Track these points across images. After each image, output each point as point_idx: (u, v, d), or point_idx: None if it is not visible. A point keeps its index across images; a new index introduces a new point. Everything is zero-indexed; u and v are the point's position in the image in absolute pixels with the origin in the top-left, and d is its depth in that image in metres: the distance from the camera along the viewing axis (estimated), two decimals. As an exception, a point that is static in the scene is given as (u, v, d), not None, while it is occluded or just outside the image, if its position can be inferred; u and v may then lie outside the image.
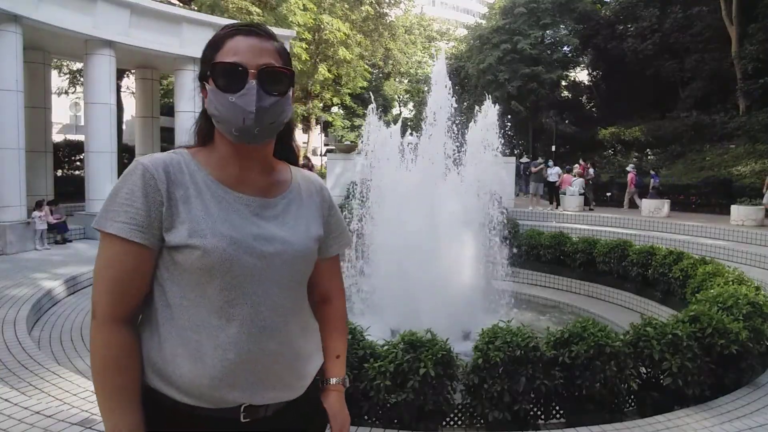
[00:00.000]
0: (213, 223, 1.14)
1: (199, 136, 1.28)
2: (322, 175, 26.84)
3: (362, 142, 9.12)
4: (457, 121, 8.40)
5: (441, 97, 8.37)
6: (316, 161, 32.49)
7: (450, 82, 8.46)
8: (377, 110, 9.19)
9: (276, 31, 17.09)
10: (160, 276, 1.16)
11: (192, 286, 1.14)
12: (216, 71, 1.15)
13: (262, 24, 1.26)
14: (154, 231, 1.13)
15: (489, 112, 8.78)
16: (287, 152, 1.36)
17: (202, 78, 1.21)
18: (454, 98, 8.41)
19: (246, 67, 1.13)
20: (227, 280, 1.13)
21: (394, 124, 9.68)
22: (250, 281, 1.15)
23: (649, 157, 22.64)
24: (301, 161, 14.71)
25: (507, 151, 17.92)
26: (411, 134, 10.35)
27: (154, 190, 1.12)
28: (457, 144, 8.51)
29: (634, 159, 22.56)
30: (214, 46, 1.19)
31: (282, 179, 1.30)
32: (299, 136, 42.08)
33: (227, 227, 1.15)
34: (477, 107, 9.08)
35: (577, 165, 18.18)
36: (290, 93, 1.21)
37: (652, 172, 17.24)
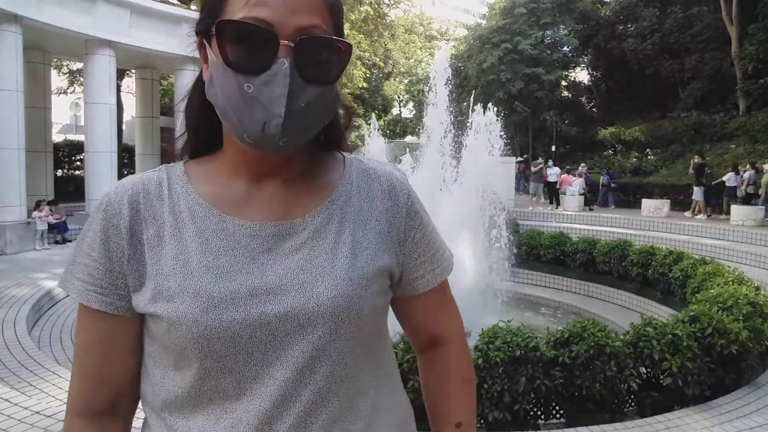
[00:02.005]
0: (186, 275, 0.74)
1: (194, 136, 0.87)
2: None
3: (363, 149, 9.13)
4: (456, 122, 8.42)
5: (441, 98, 8.38)
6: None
7: (450, 82, 8.47)
8: (377, 110, 9.20)
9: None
10: (146, 351, 0.81)
11: (171, 369, 0.77)
12: (224, 34, 0.70)
13: None
14: (119, 291, 0.77)
15: (487, 113, 8.79)
16: (333, 135, 0.88)
17: (201, 33, 0.77)
18: (454, 98, 8.43)
19: (276, 33, 0.69)
20: (208, 365, 0.73)
21: (394, 124, 9.70)
22: (247, 365, 0.73)
23: (649, 157, 22.64)
24: None
25: (509, 150, 17.96)
26: (411, 134, 10.37)
27: (116, 233, 0.76)
28: (457, 143, 8.53)
29: (634, 159, 22.58)
30: None
31: (323, 182, 0.84)
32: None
33: (208, 280, 0.74)
34: (478, 105, 9.09)
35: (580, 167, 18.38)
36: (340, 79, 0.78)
37: (603, 171, 17.61)
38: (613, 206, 17.22)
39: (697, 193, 14.80)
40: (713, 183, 15.10)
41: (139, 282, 0.77)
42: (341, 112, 0.87)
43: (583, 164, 19.45)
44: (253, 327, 0.73)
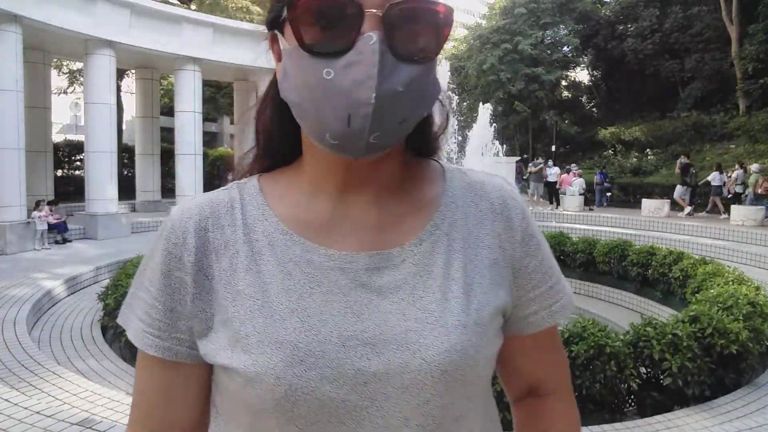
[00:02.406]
0: (267, 319, 0.61)
1: (267, 147, 0.74)
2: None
3: None
4: (457, 123, 8.42)
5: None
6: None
7: (451, 83, 8.48)
8: None
9: (276, 31, 17.14)
10: (214, 402, 0.70)
11: (246, 429, 0.64)
12: (297, 12, 0.58)
13: None
14: (180, 335, 0.65)
15: (486, 114, 8.80)
16: (427, 139, 0.75)
17: (273, 25, 0.66)
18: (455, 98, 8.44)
19: (360, 4, 0.56)
20: (292, 428, 0.60)
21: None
22: (340, 428, 0.60)
23: (649, 157, 22.66)
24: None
25: (508, 150, 18.02)
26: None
27: (178, 266, 0.65)
28: (458, 142, 8.53)
29: (634, 159, 22.59)
30: None
31: (421, 199, 0.70)
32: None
33: (293, 325, 0.61)
34: (480, 105, 9.10)
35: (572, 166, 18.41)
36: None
37: (597, 171, 17.74)
38: (605, 204, 17.30)
39: (679, 192, 15.29)
40: (699, 182, 15.53)
41: (207, 326, 0.64)
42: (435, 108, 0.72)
43: (574, 164, 19.48)
44: (347, 388, 0.59)
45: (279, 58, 0.65)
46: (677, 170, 15.90)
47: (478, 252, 0.68)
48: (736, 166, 15.32)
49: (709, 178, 15.22)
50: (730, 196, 14.79)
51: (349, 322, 0.61)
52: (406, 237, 0.66)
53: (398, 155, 0.68)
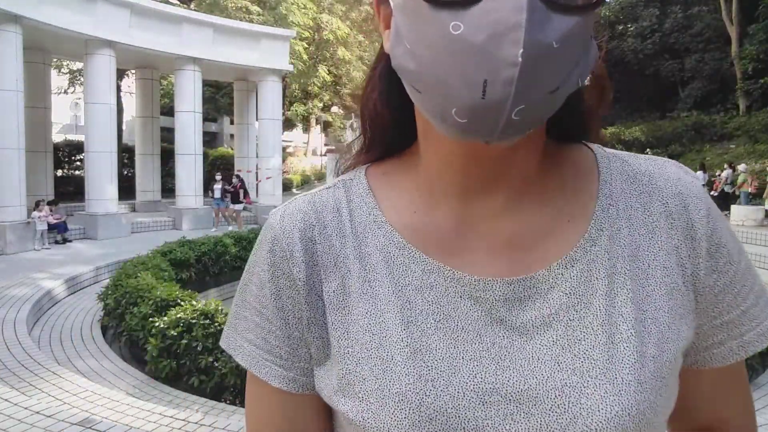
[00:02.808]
0: (385, 363, 0.50)
1: (379, 136, 0.59)
2: (322, 176, 27.00)
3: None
4: None
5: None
6: (315, 161, 32.56)
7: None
8: None
9: (276, 30, 17.15)
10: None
11: None
12: None
13: None
14: (303, 364, 0.56)
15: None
16: (576, 116, 0.56)
17: None
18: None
19: None
20: None
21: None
22: None
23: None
24: (234, 179, 14.33)
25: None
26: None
27: (289, 284, 0.55)
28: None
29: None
30: None
31: (570, 201, 0.54)
32: (299, 136, 42.18)
33: (417, 372, 0.49)
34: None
35: None
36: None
37: None
38: None
39: None
40: None
41: (324, 354, 0.54)
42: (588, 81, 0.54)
43: None
44: None
45: (387, 25, 0.50)
46: None
47: (650, 274, 0.51)
48: (725, 166, 15.63)
49: None
50: (716, 194, 15.18)
51: (487, 370, 0.48)
52: (553, 256, 0.51)
53: (539, 142, 0.53)
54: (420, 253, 0.52)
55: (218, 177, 14.45)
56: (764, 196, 13.41)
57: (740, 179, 14.58)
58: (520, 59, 0.38)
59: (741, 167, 14.88)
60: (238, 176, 14.77)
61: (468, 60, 0.40)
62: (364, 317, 0.52)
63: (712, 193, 15.37)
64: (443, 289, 0.51)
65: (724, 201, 14.80)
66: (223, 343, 0.59)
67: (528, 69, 0.39)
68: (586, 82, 0.53)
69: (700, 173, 15.48)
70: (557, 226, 0.53)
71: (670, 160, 0.58)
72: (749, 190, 14.21)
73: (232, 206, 14.19)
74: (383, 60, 0.55)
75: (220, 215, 14.47)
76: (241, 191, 14.12)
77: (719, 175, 15.54)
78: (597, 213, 0.53)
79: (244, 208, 14.50)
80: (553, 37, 0.40)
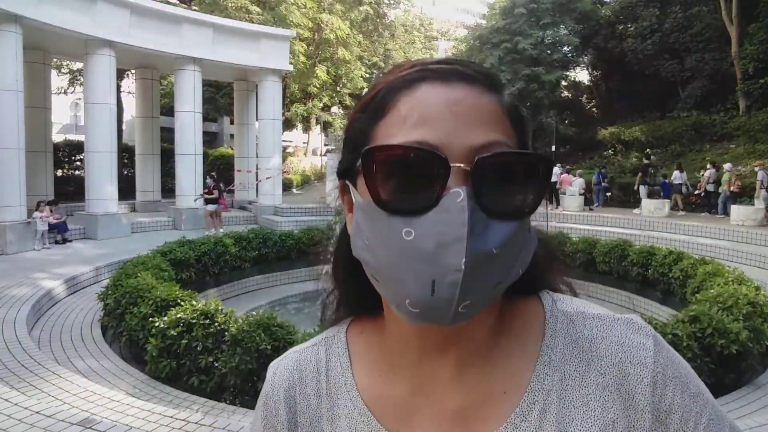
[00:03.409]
0: None
1: (347, 301, 0.67)
2: (322, 176, 26.97)
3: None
4: None
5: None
6: (315, 161, 32.55)
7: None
8: None
9: (275, 30, 17.15)
10: None
11: None
12: (375, 168, 0.50)
13: (464, 60, 0.58)
14: None
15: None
16: (527, 275, 0.56)
17: (344, 174, 0.58)
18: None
19: (444, 155, 0.49)
20: None
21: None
22: None
23: (650, 157, 22.68)
24: (207, 180, 13.77)
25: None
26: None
27: None
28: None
29: (634, 159, 22.59)
30: (373, 105, 0.55)
31: (513, 365, 0.58)
32: (299, 136, 42.16)
33: None
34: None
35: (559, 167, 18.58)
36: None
37: (596, 170, 18.20)
38: (598, 204, 17.28)
39: (643, 191, 16.34)
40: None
41: None
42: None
43: (559, 164, 19.51)
44: None
45: (350, 209, 0.57)
46: (640, 172, 17.09)
47: (586, 422, 0.52)
48: (708, 165, 15.99)
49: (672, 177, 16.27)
50: (702, 193, 15.65)
51: None
52: (493, 426, 0.55)
53: (492, 312, 0.57)
54: (376, 422, 0.59)
55: (211, 177, 14.27)
56: (756, 196, 13.44)
57: (725, 178, 14.82)
58: (463, 267, 0.46)
59: (726, 166, 15.17)
60: (213, 176, 14.29)
61: (418, 263, 0.48)
62: None
63: (697, 192, 15.89)
64: None
65: (708, 200, 15.32)
66: None
67: (470, 273, 0.46)
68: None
69: (676, 173, 16.22)
70: (495, 397, 0.56)
71: (624, 317, 0.58)
72: (732, 189, 14.57)
73: (206, 207, 13.65)
74: (346, 237, 0.60)
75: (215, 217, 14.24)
76: (216, 192, 13.59)
77: (702, 175, 15.97)
78: (532, 384, 0.55)
79: (215, 212, 13.66)
80: (492, 245, 0.48)
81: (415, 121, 0.51)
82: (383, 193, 0.50)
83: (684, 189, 15.98)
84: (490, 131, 0.51)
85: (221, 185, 14.22)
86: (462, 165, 0.49)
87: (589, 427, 0.53)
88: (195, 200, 14.07)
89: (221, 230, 12.77)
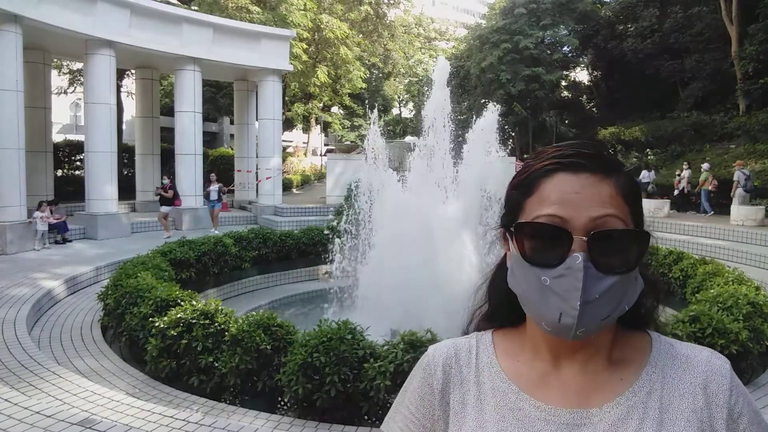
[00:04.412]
0: None
1: (494, 313, 0.91)
2: (321, 176, 26.96)
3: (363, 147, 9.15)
4: (456, 123, 8.42)
5: (440, 104, 8.38)
6: (316, 161, 32.53)
7: (450, 85, 8.46)
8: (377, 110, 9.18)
9: (276, 30, 17.13)
10: None
11: None
12: (521, 233, 0.76)
13: (594, 144, 0.80)
14: None
15: (487, 114, 8.78)
16: (637, 313, 0.83)
17: (504, 226, 0.83)
18: (453, 98, 8.43)
19: (569, 229, 0.73)
20: None
21: (395, 124, 9.72)
22: None
23: (649, 157, 22.68)
24: (162, 182, 13.28)
25: (507, 151, 18.07)
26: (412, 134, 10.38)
27: (429, 392, 0.86)
28: (458, 142, 8.53)
29: (634, 159, 22.59)
30: (523, 185, 0.80)
31: (625, 367, 0.80)
32: (299, 136, 42.14)
33: None
34: (479, 106, 9.09)
35: None
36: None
37: None
38: None
39: None
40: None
41: None
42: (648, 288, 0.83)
43: None
44: None
45: (508, 248, 0.82)
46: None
47: (675, 423, 0.75)
48: (685, 165, 16.98)
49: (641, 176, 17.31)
50: (677, 193, 16.51)
51: None
52: (606, 400, 0.77)
53: (609, 332, 0.80)
54: (516, 387, 0.81)
55: (213, 178, 14.23)
56: (732, 194, 13.54)
57: (702, 177, 15.25)
58: (578, 308, 0.70)
59: (704, 166, 15.68)
60: (170, 175, 13.94)
61: (551, 300, 0.73)
62: (473, 422, 0.81)
63: (675, 192, 16.65)
64: (527, 411, 0.79)
65: (685, 199, 16.03)
66: (383, 427, 0.91)
67: (582, 312, 0.70)
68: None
69: (644, 172, 17.44)
70: (613, 382, 0.79)
71: (708, 348, 0.83)
72: (709, 188, 15.11)
73: (160, 209, 13.14)
74: (503, 268, 0.86)
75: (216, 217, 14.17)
76: (171, 191, 13.12)
77: (679, 175, 16.78)
78: (642, 377, 0.78)
79: (166, 215, 13.21)
80: (600, 292, 0.71)
81: (552, 201, 0.74)
82: (528, 252, 0.75)
83: (650, 188, 17.06)
84: (605, 207, 0.74)
85: (176, 187, 13.60)
86: (582, 237, 0.72)
87: (683, 409, 0.75)
88: (155, 194, 13.47)
89: (216, 231, 12.77)
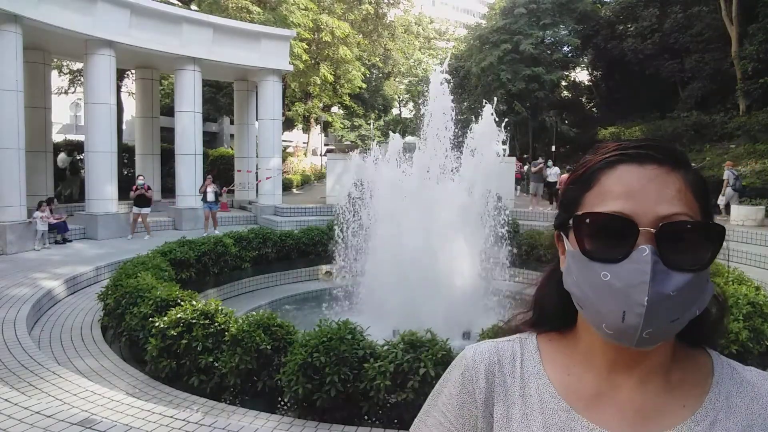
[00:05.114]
0: None
1: (540, 316, 0.83)
2: (322, 176, 26.96)
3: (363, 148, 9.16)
4: (456, 124, 8.41)
5: (439, 106, 8.38)
6: (316, 161, 32.54)
7: (450, 84, 8.46)
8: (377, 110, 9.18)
9: (276, 30, 17.13)
10: None
11: None
12: (581, 225, 0.69)
13: (660, 140, 0.74)
14: None
15: (487, 114, 8.78)
16: (700, 328, 0.75)
17: (559, 227, 0.76)
18: (453, 99, 8.43)
19: (635, 221, 0.65)
20: None
21: (395, 124, 9.72)
22: None
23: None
24: (138, 182, 12.77)
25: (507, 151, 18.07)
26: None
27: (471, 400, 0.78)
28: (458, 142, 8.53)
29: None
30: (582, 179, 0.73)
31: (687, 390, 0.73)
32: (299, 136, 42.14)
33: None
34: (479, 106, 9.10)
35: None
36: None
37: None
38: None
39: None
40: None
41: None
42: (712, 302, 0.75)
43: (540, 157, 19.58)
44: None
45: (563, 252, 0.77)
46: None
47: None
48: None
49: None
50: None
51: None
52: (665, 427, 0.70)
53: (668, 346, 0.73)
54: (566, 404, 0.73)
55: (209, 179, 14.00)
56: (722, 193, 13.77)
57: None
58: (645, 303, 0.62)
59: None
60: (143, 177, 13.72)
61: (612, 297, 0.65)
62: None
63: None
64: None
65: None
66: (413, 429, 0.82)
67: (651, 309, 0.62)
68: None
69: None
70: (674, 408, 0.71)
71: None
72: None
73: (138, 210, 12.83)
74: (557, 270, 0.79)
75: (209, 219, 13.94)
76: (151, 191, 13.07)
77: None
78: (705, 404, 0.71)
79: (141, 216, 12.96)
80: (671, 289, 0.63)
81: (615, 195, 0.67)
82: (587, 245, 0.68)
83: None
84: (674, 204, 0.66)
85: (150, 189, 13.31)
86: (649, 228, 0.65)
87: None
88: (133, 196, 13.08)
89: (216, 230, 12.77)
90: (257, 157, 18.28)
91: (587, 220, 0.68)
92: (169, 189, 17.18)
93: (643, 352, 0.69)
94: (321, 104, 32.78)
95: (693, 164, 0.71)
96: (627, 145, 0.71)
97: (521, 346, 0.80)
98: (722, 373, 0.74)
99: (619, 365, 0.72)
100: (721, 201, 13.79)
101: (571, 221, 0.70)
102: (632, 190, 0.67)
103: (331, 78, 27.03)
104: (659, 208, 0.66)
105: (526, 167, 18.11)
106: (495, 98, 10.58)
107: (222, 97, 28.04)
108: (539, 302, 0.83)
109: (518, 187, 20.19)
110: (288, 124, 31.37)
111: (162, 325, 5.12)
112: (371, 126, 35.99)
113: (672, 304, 0.64)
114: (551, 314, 0.81)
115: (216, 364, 4.88)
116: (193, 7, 20.78)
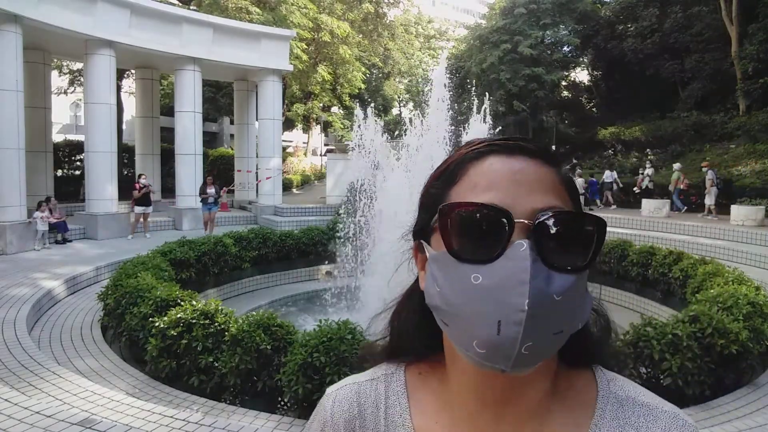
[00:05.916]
0: None
1: (397, 345, 0.73)
2: (322, 176, 27.00)
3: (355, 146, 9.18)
4: (455, 123, 8.43)
5: (438, 106, 8.39)
6: (316, 161, 32.55)
7: (449, 86, 8.47)
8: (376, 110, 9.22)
9: (275, 30, 17.14)
10: None
11: None
12: (450, 222, 0.58)
13: (526, 137, 0.66)
14: None
15: (486, 113, 8.79)
16: (582, 345, 0.66)
17: (419, 234, 0.66)
18: (451, 97, 8.44)
19: (510, 214, 0.56)
20: None
21: (394, 124, 9.75)
22: None
23: (649, 157, 22.69)
24: (142, 181, 12.85)
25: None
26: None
27: None
28: (457, 142, 8.54)
29: (634, 159, 22.61)
30: (446, 174, 0.64)
31: (567, 425, 0.63)
32: (299, 136, 42.15)
33: None
34: (479, 106, 9.11)
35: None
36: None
37: (608, 171, 19.09)
38: (601, 206, 17.73)
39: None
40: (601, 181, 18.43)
41: None
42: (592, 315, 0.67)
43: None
44: None
45: (422, 267, 0.65)
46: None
47: None
48: (647, 164, 18.05)
49: (604, 176, 18.33)
50: (638, 191, 17.26)
51: None
52: None
53: (548, 373, 0.63)
54: None
55: (210, 180, 13.82)
56: (706, 192, 14.12)
57: (674, 177, 15.79)
58: (526, 308, 0.51)
59: (676, 166, 16.36)
60: (145, 176, 13.70)
61: (486, 304, 0.53)
62: None
63: (634, 189, 17.52)
64: None
65: (648, 196, 16.50)
66: None
67: (533, 315, 0.52)
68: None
69: (607, 172, 18.42)
70: None
71: (670, 410, 0.64)
72: (681, 187, 15.71)
73: (142, 209, 12.95)
74: (414, 293, 0.70)
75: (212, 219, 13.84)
76: (151, 192, 13.13)
77: (642, 173, 17.74)
78: (590, 428, 0.62)
79: (143, 215, 13.04)
80: (554, 291, 0.53)
81: (483, 186, 0.59)
82: (455, 243, 0.57)
83: (614, 187, 18.08)
84: (549, 197, 0.59)
85: (151, 188, 13.34)
86: (525, 221, 0.56)
87: None
88: (137, 195, 13.08)
89: (213, 231, 12.74)
90: (257, 157, 18.29)
91: (455, 213, 0.57)
92: (169, 189, 17.19)
93: (517, 391, 0.60)
94: (321, 104, 32.78)
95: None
96: (496, 140, 0.63)
97: (386, 387, 0.70)
98: (605, 412, 0.63)
99: (489, 402, 0.62)
100: (709, 201, 14.06)
101: (434, 219, 0.61)
102: (504, 181, 0.58)
103: (329, 78, 27.02)
104: (534, 199, 0.57)
105: None
106: (490, 98, 10.58)
107: (222, 97, 28.05)
108: (397, 327, 0.73)
109: None
110: (288, 125, 31.37)
111: (162, 325, 5.12)
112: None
113: (555, 310, 0.54)
114: (412, 340, 0.71)
115: (216, 364, 4.88)
116: (193, 7, 20.78)
